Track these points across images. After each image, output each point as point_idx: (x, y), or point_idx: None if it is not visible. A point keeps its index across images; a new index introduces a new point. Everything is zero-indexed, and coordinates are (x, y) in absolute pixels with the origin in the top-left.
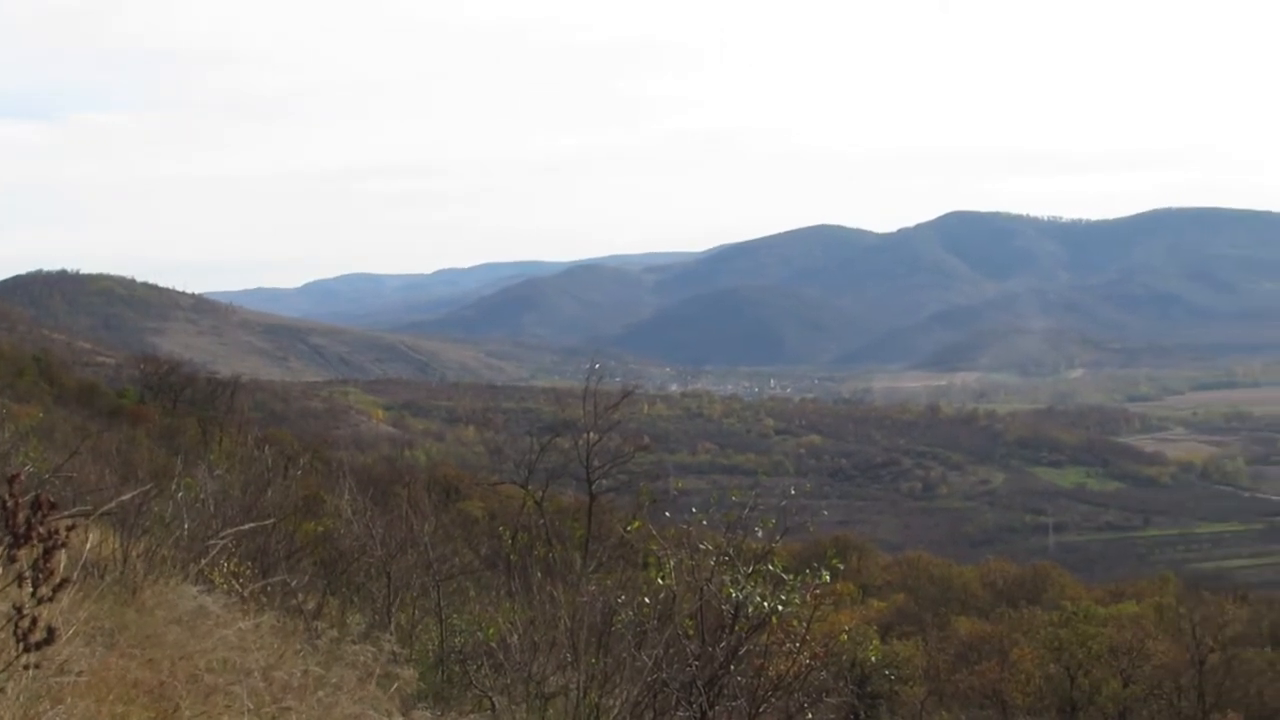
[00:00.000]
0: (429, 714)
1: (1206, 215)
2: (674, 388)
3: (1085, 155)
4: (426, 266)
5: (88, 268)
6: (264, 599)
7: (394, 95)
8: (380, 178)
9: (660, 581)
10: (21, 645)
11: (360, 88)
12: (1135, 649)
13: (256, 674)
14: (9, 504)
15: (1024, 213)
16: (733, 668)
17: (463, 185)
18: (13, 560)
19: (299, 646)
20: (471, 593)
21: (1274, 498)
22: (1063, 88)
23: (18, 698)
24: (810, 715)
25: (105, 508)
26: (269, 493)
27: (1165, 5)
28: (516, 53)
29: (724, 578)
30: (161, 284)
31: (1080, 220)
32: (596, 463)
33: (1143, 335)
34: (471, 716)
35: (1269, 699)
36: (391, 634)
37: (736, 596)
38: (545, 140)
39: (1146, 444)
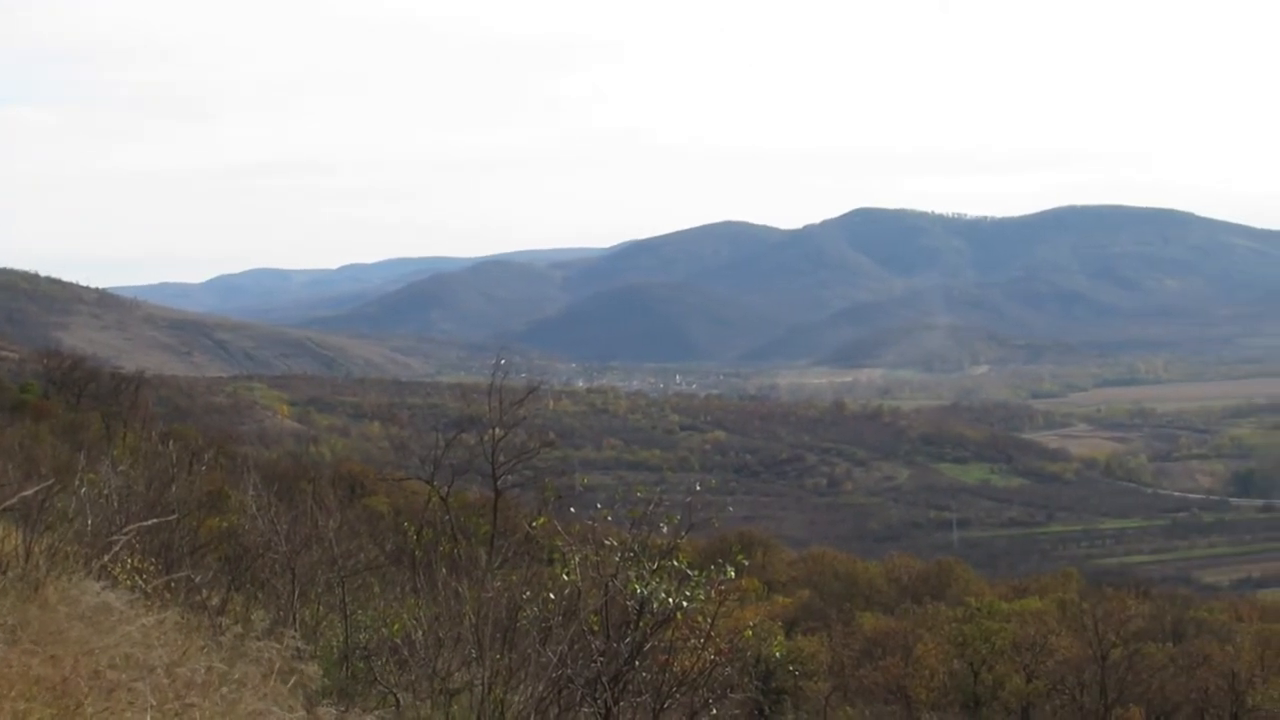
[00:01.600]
0: (333, 710)
1: (1110, 213)
2: (580, 384)
3: (991, 154)
4: (333, 262)
5: None
6: (168, 595)
7: (304, 91)
8: (288, 173)
9: (565, 577)
10: None
11: (271, 83)
12: (1038, 644)
13: (160, 670)
14: None
15: (930, 210)
16: (637, 664)
17: (370, 181)
18: None
19: (203, 643)
20: (376, 589)
21: (1176, 494)
22: (968, 87)
23: None
24: (715, 711)
25: (7, 503)
26: (173, 488)
27: (1066, 6)
28: (427, 49)
29: (629, 574)
30: (66, 279)
31: (986, 218)
32: (502, 459)
33: (1047, 332)
34: (376, 713)
35: (1170, 694)
36: (296, 630)
37: (641, 593)
38: (453, 136)
39: (1050, 440)
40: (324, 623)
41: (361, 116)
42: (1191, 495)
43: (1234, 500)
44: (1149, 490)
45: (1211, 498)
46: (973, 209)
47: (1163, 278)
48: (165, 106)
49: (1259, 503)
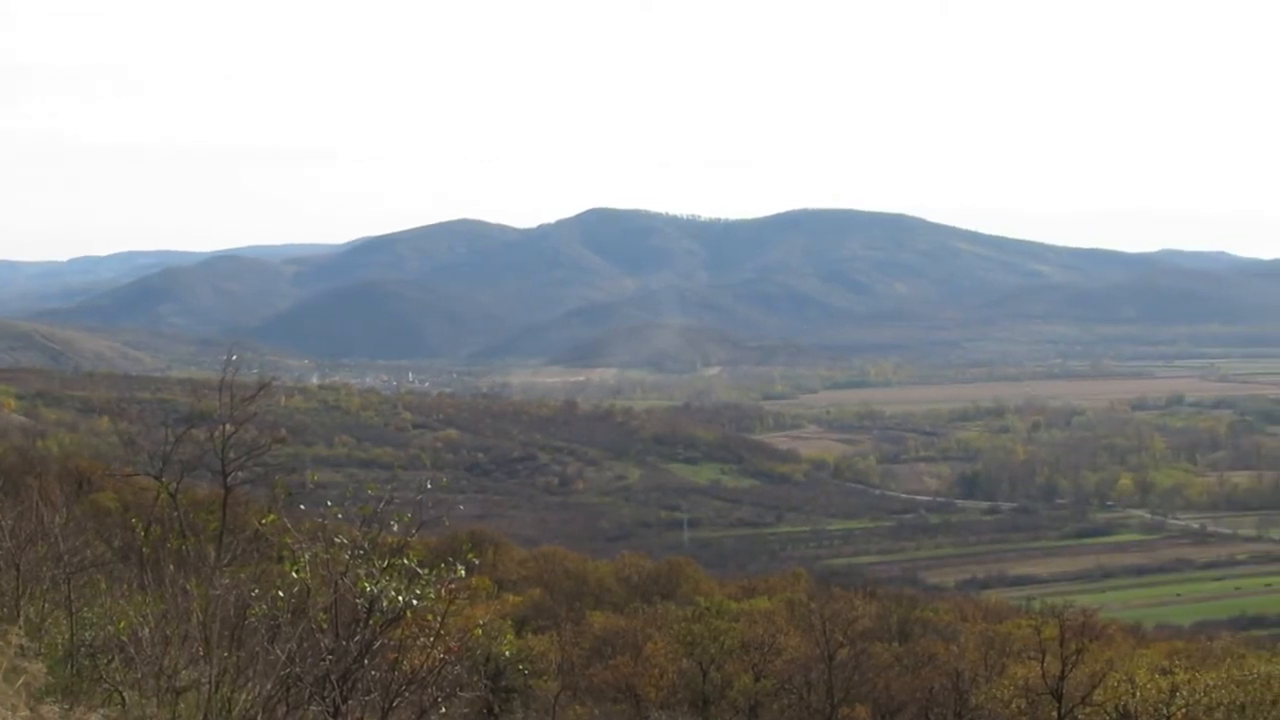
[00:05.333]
0: (57, 708)
1: (841, 217)
2: (313, 380)
3: (724, 155)
4: (62, 254)
5: None
6: None
7: (23, 73)
8: (17, 161)
9: (295, 575)
10: None
11: None
12: (767, 644)
13: None
14: None
15: (664, 211)
16: (367, 662)
17: (100, 171)
18: None
19: None
20: (103, 585)
21: (904, 495)
22: (702, 89)
23: None
24: (444, 709)
25: None
26: None
27: (799, 12)
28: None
29: (359, 572)
30: None
31: (719, 220)
32: (232, 455)
33: (779, 334)
34: (101, 711)
35: (896, 693)
36: (20, 627)
37: (371, 591)
38: (184, 129)
39: (781, 441)
40: (49, 620)
41: (90, 103)
42: (919, 497)
43: (960, 502)
44: (877, 491)
45: (938, 499)
46: (706, 210)
47: (892, 282)
48: None
49: (984, 505)
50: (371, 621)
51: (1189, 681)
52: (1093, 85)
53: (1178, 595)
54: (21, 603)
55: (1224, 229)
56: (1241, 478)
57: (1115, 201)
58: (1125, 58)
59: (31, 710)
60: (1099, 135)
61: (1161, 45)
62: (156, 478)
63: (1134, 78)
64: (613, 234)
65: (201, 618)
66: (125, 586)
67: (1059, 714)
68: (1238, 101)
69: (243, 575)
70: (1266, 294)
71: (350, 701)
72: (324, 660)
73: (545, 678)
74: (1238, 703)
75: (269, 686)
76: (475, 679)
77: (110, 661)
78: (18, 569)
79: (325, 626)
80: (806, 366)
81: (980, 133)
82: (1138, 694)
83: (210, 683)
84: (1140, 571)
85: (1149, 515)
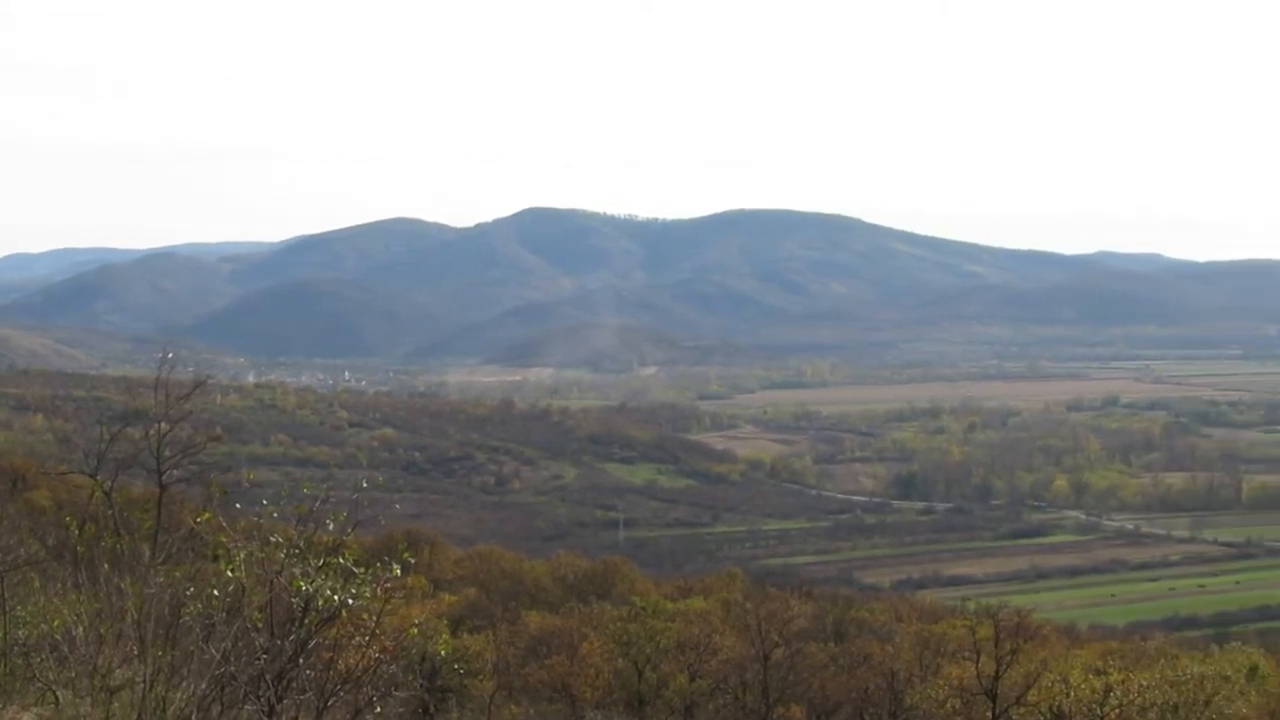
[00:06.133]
0: None
1: (779, 217)
2: (249, 379)
3: (662, 155)
4: None
5: None
6: None
7: None
8: None
9: (230, 574)
10: None
11: None
12: (702, 644)
13: None
14: None
15: (601, 210)
16: (302, 661)
17: (36, 168)
18: None
19: None
20: (37, 584)
21: (840, 495)
22: (640, 89)
23: None
24: (379, 709)
25: None
26: None
27: (735, 15)
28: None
29: (294, 570)
30: None
31: (656, 219)
32: (168, 453)
33: (716, 334)
34: (34, 710)
35: (832, 693)
36: None
37: (306, 589)
38: (122, 126)
39: (717, 441)
40: None
41: (27, 101)
42: (855, 497)
43: (895, 503)
44: (813, 492)
45: (874, 500)
46: (644, 210)
47: (829, 282)
48: None
49: (919, 505)
50: (307, 621)
51: (1123, 682)
52: (1027, 89)
53: (1112, 596)
54: None
55: (1159, 232)
56: (1176, 479)
57: (1051, 204)
58: (1060, 63)
59: None
60: (1035, 138)
61: (1097, 52)
62: (91, 476)
63: (1069, 82)
64: (550, 233)
65: (136, 616)
66: (59, 585)
67: (993, 714)
68: (1172, 106)
69: (178, 574)
70: (1201, 296)
71: (285, 701)
72: (259, 659)
73: (481, 677)
74: (1171, 703)
75: (204, 685)
76: (410, 678)
77: (43, 660)
78: None
79: (260, 625)
80: (743, 366)
81: (918, 134)
82: (1072, 694)
83: (145, 682)
84: (1075, 572)
85: (1084, 516)
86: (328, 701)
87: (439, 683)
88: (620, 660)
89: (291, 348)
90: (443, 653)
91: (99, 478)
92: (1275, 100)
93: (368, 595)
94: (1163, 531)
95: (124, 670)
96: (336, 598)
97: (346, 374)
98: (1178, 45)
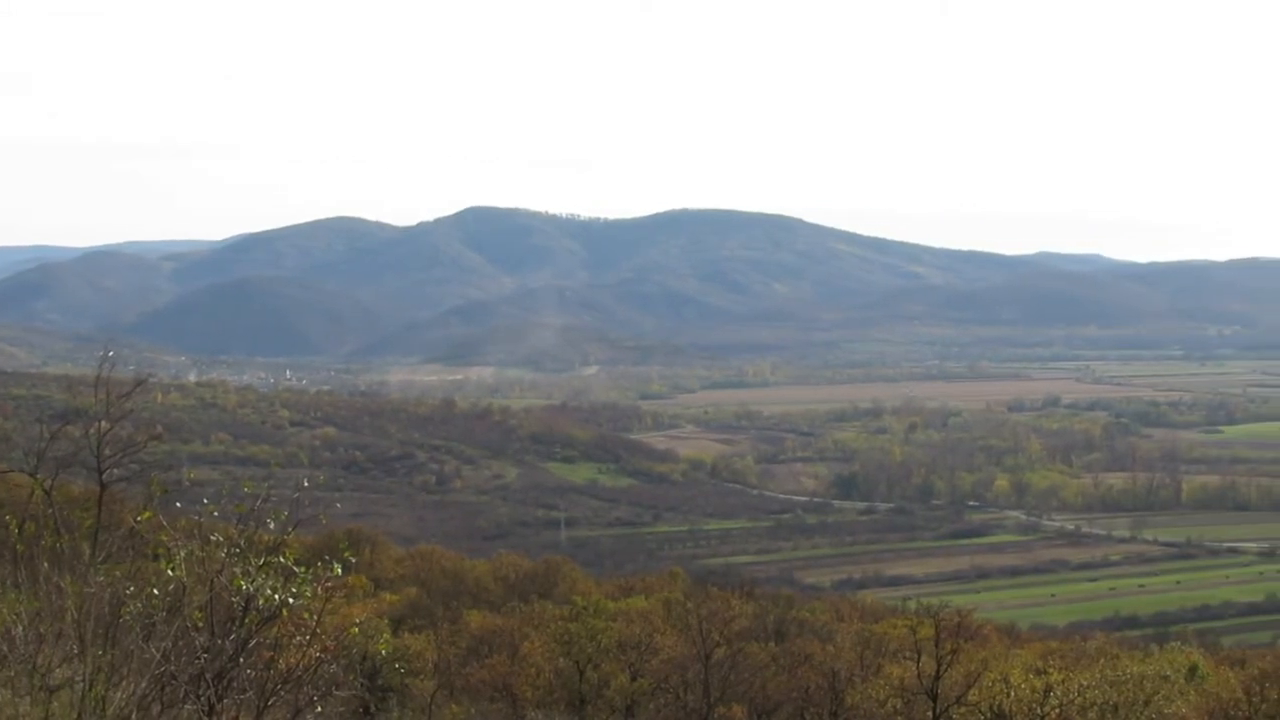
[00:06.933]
0: None
1: (721, 217)
2: (190, 377)
3: (605, 155)
4: None
5: None
6: None
7: None
8: None
9: (170, 573)
10: None
11: None
12: (644, 643)
13: None
14: None
15: (544, 210)
16: (242, 661)
17: None
18: None
19: None
20: None
21: (781, 495)
22: (584, 88)
23: None
24: (319, 709)
25: None
26: None
27: (676, 16)
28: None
29: (235, 570)
30: None
31: (599, 219)
32: (108, 452)
33: (657, 334)
34: None
35: (772, 693)
36: None
37: (247, 589)
38: (63, 123)
39: (659, 441)
40: None
41: None
42: (796, 497)
43: (837, 503)
44: (754, 492)
45: (815, 500)
46: (586, 210)
47: (771, 282)
48: None
49: (861, 505)
50: (247, 620)
51: (1063, 682)
52: (967, 92)
53: (1052, 596)
54: None
55: (1100, 232)
56: (1116, 479)
57: (993, 204)
58: (1001, 65)
59: None
60: (977, 140)
61: (1036, 55)
62: (31, 474)
63: (1008, 85)
64: (492, 233)
65: (76, 615)
66: None
67: (934, 714)
68: (1112, 108)
69: (118, 573)
70: (1141, 296)
71: (225, 700)
72: (199, 659)
73: (422, 677)
74: (1111, 703)
75: (144, 685)
76: (351, 678)
77: None
78: None
79: (201, 625)
80: (684, 366)
81: (860, 135)
82: (1012, 694)
83: (84, 681)
84: (1016, 572)
85: (1025, 516)
86: (268, 701)
87: (380, 682)
88: (561, 660)
89: (233, 346)
90: (384, 652)
91: (39, 476)
92: (1216, 103)
93: (309, 594)
94: (1103, 532)
95: (63, 669)
96: (277, 597)
97: (288, 373)
98: (1118, 50)
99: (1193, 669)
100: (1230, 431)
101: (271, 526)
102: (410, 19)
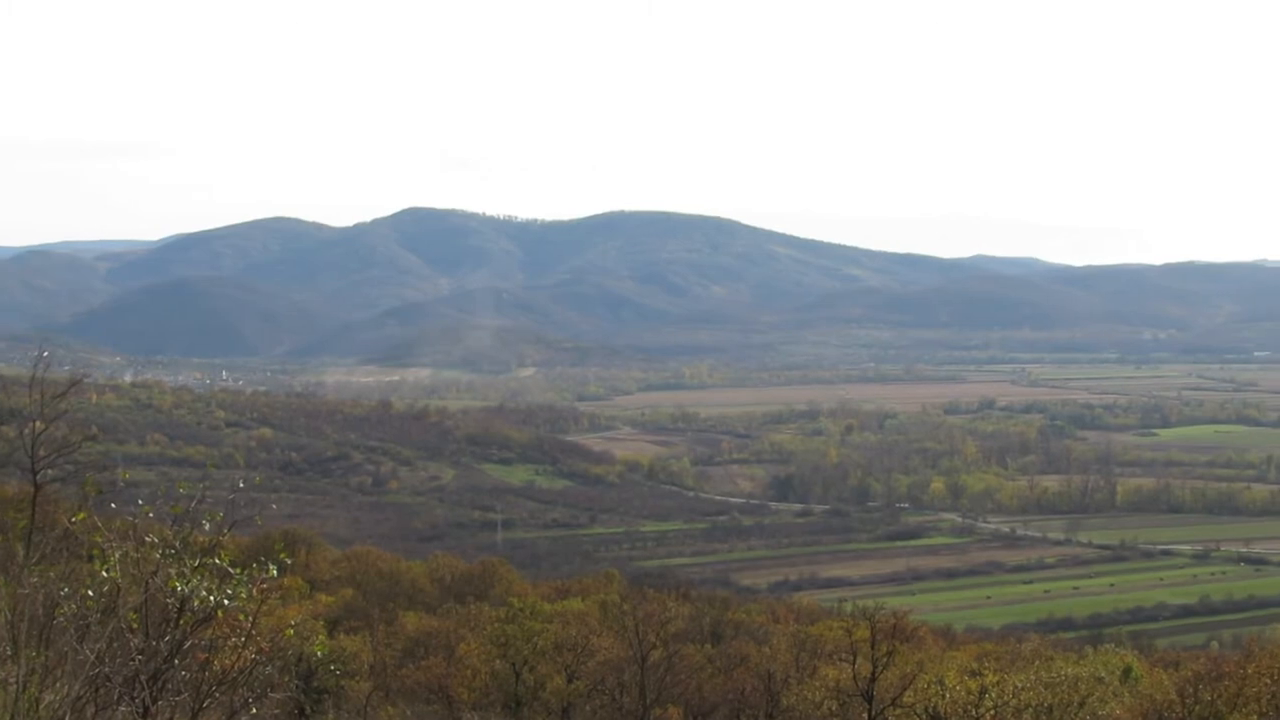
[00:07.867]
0: None
1: (659, 219)
2: (125, 378)
3: (542, 156)
4: None
5: None
6: None
7: None
8: None
9: (105, 574)
10: None
11: None
12: (580, 645)
13: None
14: None
15: (481, 211)
16: (177, 662)
17: None
18: None
19: None
20: None
21: (717, 497)
22: (520, 89)
23: None
24: (255, 710)
25: None
26: None
27: (613, 17)
28: None
29: (170, 571)
30: None
31: (536, 220)
32: (43, 452)
33: (594, 335)
34: None
35: (709, 694)
36: None
37: (182, 590)
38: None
39: (595, 443)
40: None
41: None
42: (732, 499)
43: (773, 504)
44: (691, 493)
45: (752, 501)
46: (523, 211)
47: (709, 284)
48: None
49: (797, 507)
50: (182, 621)
51: (998, 683)
52: (901, 95)
53: (988, 598)
54: None
55: (1035, 236)
56: (1051, 482)
57: (929, 207)
58: (934, 69)
59: None
60: (912, 143)
61: (971, 59)
62: None
63: (942, 88)
64: (429, 233)
65: (9, 617)
66: None
67: (870, 715)
68: (1048, 111)
69: (52, 574)
70: (1077, 300)
71: (160, 702)
72: (134, 660)
73: (357, 678)
74: (1046, 704)
75: (78, 686)
76: (287, 679)
77: None
78: None
79: (135, 626)
80: (621, 368)
81: (799, 138)
82: (947, 696)
83: (18, 682)
84: (951, 574)
85: (960, 519)
86: (203, 703)
87: (315, 684)
88: (498, 661)
89: (169, 347)
90: (319, 654)
91: None
92: (1153, 107)
93: (244, 596)
94: (1038, 534)
95: None
96: (212, 598)
97: (224, 373)
98: (1052, 53)
99: (1127, 671)
100: (1164, 434)
101: (207, 528)
102: (346, 21)
